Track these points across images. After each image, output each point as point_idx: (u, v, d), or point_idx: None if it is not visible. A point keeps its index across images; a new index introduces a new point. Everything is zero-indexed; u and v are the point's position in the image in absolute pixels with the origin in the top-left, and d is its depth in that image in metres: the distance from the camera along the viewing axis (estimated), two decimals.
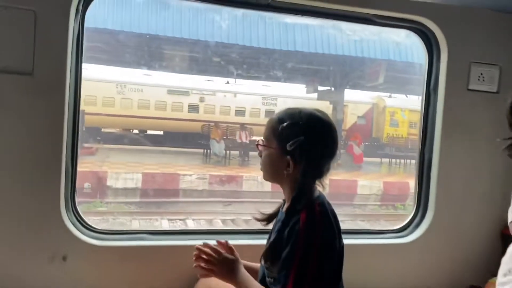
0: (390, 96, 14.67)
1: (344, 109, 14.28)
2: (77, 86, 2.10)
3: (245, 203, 8.96)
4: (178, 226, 7.48)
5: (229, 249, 1.57)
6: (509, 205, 1.45)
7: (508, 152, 1.44)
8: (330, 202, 1.50)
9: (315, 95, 14.08)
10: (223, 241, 1.60)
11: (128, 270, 2.16)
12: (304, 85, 14.10)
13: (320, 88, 14.13)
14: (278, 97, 14.83)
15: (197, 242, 1.62)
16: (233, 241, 1.70)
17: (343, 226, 1.54)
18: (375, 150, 14.43)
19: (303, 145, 1.38)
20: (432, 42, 2.58)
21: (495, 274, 2.40)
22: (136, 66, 12.74)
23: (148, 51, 11.74)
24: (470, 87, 2.56)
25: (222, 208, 8.78)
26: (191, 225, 7.53)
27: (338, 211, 1.48)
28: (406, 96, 14.32)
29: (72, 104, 2.09)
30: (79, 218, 2.16)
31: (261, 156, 1.51)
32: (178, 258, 2.12)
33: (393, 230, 2.64)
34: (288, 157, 1.39)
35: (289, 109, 1.49)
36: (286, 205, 1.50)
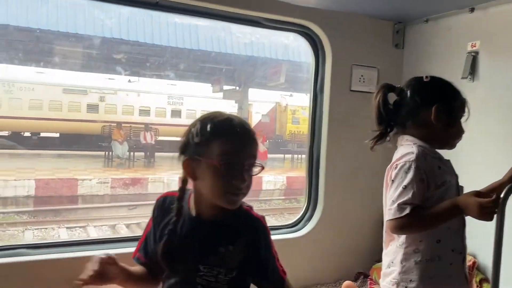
0: (291, 95, 15.28)
1: (249, 108, 14.57)
2: None
3: (151, 205, 8.68)
4: (78, 234, 7.07)
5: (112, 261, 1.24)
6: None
7: (371, 144, 1.57)
8: None
9: (220, 94, 14.15)
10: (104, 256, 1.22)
11: None
12: (210, 85, 14.09)
13: (226, 87, 14.24)
14: (184, 96, 14.64)
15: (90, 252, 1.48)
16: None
17: None
18: (279, 146, 15.01)
19: None
20: (318, 46, 2.73)
21: (378, 260, 2.58)
22: (25, 63, 11.73)
23: (39, 46, 10.85)
24: (353, 88, 2.76)
25: (127, 212, 8.42)
26: (92, 232, 7.13)
27: None
28: (306, 95, 14.99)
29: None
30: None
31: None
32: (64, 272, 1.98)
33: (287, 225, 2.76)
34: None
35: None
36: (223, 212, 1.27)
